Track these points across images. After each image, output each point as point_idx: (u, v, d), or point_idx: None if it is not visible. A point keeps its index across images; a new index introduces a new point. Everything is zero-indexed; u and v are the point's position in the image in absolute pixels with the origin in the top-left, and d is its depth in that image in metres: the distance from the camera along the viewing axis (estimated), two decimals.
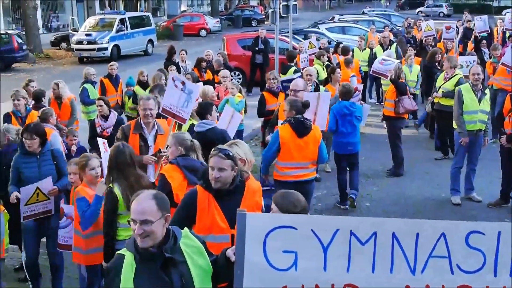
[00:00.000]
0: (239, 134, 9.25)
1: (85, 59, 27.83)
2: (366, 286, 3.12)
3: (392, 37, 18.19)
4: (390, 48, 15.80)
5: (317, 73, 11.88)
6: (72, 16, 36.21)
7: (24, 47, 26.41)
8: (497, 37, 19.37)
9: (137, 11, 44.58)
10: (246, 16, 49.21)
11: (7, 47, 25.15)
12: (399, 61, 12.43)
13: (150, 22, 32.02)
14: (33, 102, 9.33)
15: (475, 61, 12.38)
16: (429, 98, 11.57)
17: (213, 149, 4.37)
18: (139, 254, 3.27)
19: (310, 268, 3.15)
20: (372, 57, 15.18)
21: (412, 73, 13.21)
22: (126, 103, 11.67)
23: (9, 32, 27.13)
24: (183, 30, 39.34)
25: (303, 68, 12.12)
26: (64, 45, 32.02)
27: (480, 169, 9.46)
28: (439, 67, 12.36)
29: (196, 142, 5.49)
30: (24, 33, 29.34)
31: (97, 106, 8.92)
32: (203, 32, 41.69)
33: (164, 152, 6.18)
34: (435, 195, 9.52)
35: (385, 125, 11.45)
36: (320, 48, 15.69)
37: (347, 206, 8.96)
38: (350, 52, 14.82)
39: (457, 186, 9.17)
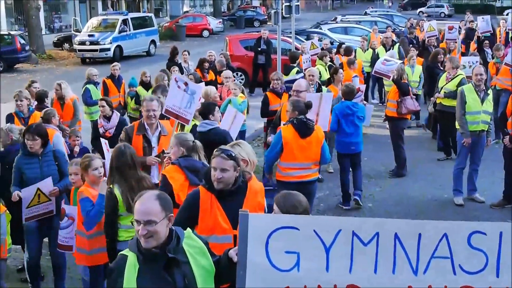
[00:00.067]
0: (241, 134, 9.26)
1: (87, 60, 27.89)
2: (369, 287, 3.11)
3: (394, 38, 18.19)
4: (392, 49, 15.81)
5: (319, 73, 11.89)
6: (75, 16, 36.24)
7: (27, 47, 26.46)
8: (500, 38, 19.35)
9: (140, 11, 44.74)
10: (249, 17, 49.25)
11: (10, 47, 25.22)
12: (401, 61, 12.43)
13: (152, 23, 32.07)
14: (36, 103, 9.34)
15: (478, 61, 12.36)
16: (431, 98, 11.56)
17: (215, 150, 4.37)
18: (142, 254, 3.27)
19: (313, 269, 3.15)
20: (375, 58, 15.17)
21: (415, 73, 13.20)
22: (128, 104, 11.68)
23: (12, 32, 27.21)
24: (185, 31, 39.39)
25: (305, 69, 12.12)
26: (66, 45, 32.08)
27: (482, 169, 9.44)
28: (441, 68, 12.36)
29: (198, 142, 5.49)
30: (26, 33, 29.39)
31: (99, 106, 8.92)
32: (205, 33, 41.72)
33: (168, 153, 6.19)
34: (437, 196, 9.51)
35: (387, 126, 11.45)
36: (322, 49, 15.70)
37: (350, 207, 8.96)
38: (353, 53, 14.83)
39: (459, 186, 9.16)
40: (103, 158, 6.29)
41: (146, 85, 11.47)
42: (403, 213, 8.67)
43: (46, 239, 6.59)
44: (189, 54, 15.10)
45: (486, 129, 9.03)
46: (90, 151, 7.66)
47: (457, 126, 9.11)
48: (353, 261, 3.14)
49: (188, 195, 4.61)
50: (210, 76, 13.32)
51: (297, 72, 12.51)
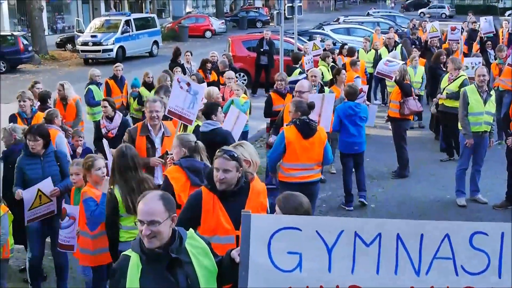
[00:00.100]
0: (244, 135, 9.26)
1: (90, 61, 27.91)
2: (371, 287, 3.12)
3: (397, 38, 18.17)
4: (395, 49, 15.80)
5: (322, 74, 11.90)
6: (78, 17, 36.29)
7: (30, 48, 26.48)
8: (502, 38, 19.34)
9: (142, 12, 44.79)
10: (251, 18, 49.23)
11: (13, 48, 25.26)
12: (404, 62, 12.41)
13: (155, 24, 32.09)
14: (38, 103, 9.35)
15: (481, 62, 12.36)
16: (434, 99, 11.56)
17: (218, 150, 4.37)
18: (145, 254, 3.27)
19: (315, 269, 3.16)
20: (377, 59, 15.17)
21: (417, 74, 13.20)
22: (131, 105, 11.69)
23: (15, 33, 27.27)
24: (188, 32, 39.42)
25: (308, 70, 12.13)
26: (69, 46, 32.11)
27: (485, 170, 9.43)
28: (444, 69, 12.35)
29: (200, 143, 5.48)
30: (29, 34, 29.42)
31: (102, 107, 8.94)
32: (208, 34, 41.73)
33: (171, 154, 6.20)
34: (440, 197, 9.50)
35: (390, 127, 11.44)
36: (325, 50, 15.70)
37: (352, 208, 8.96)
38: (356, 54, 14.83)
39: (462, 187, 9.15)
40: (106, 158, 6.30)
41: (148, 86, 11.49)
42: (406, 214, 8.66)
43: (49, 239, 6.60)
44: (191, 54, 15.12)
45: (488, 130, 9.01)
46: (93, 152, 7.66)
47: (460, 127, 9.11)
48: (355, 261, 3.14)
49: (190, 196, 4.61)
50: (213, 76, 13.33)
51: (300, 73, 12.53)
